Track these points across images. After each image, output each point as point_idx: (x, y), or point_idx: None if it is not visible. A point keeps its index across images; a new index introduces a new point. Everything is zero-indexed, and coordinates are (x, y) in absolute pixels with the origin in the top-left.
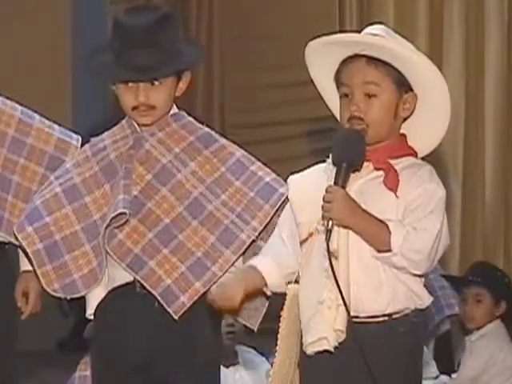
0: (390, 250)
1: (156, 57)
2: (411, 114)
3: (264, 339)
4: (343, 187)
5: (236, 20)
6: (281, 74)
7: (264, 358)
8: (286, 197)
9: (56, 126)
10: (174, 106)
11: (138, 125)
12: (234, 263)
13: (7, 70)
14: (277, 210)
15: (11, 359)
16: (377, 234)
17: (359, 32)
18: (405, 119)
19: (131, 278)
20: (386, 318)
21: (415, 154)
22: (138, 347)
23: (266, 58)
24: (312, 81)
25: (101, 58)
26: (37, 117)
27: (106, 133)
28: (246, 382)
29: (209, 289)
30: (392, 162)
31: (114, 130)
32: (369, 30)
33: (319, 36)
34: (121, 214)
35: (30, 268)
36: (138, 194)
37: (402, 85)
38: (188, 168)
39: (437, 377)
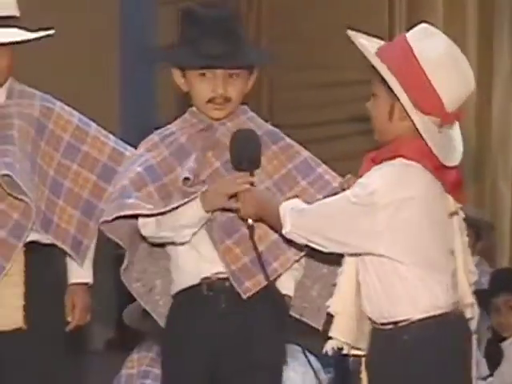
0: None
1: (234, 45)
2: None
3: (314, 338)
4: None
5: (284, 19)
6: (329, 74)
7: (313, 357)
8: None
9: (111, 136)
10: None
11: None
12: (294, 262)
13: (55, 73)
14: None
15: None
16: (277, 222)
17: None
18: None
19: (196, 281)
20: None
21: (408, 156)
22: (206, 349)
23: (314, 57)
24: (359, 81)
25: (176, 51)
26: (93, 125)
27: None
28: (295, 382)
29: (269, 284)
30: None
31: (177, 122)
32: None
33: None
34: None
35: (78, 280)
36: (206, 179)
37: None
38: None
39: (487, 377)
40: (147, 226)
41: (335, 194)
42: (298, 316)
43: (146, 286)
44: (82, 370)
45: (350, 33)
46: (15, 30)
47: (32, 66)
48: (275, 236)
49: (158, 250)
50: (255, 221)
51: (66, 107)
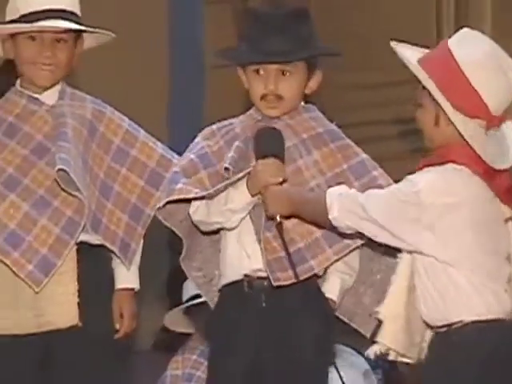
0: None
1: (290, 44)
2: None
3: (362, 338)
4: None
5: (330, 19)
6: (372, 75)
7: (362, 358)
8: None
9: (159, 143)
10: (303, 102)
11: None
12: (333, 263)
13: (103, 76)
14: None
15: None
16: (315, 211)
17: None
18: None
19: (238, 277)
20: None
21: (458, 161)
22: (249, 346)
23: (358, 57)
24: (403, 81)
25: (236, 48)
26: (142, 131)
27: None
28: (344, 382)
29: (301, 280)
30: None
31: (241, 116)
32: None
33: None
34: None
35: (125, 285)
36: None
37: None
38: (311, 156)
39: None
40: (197, 212)
41: None
42: (347, 320)
43: (207, 276)
44: (130, 370)
45: (393, 44)
46: (75, 25)
47: (80, 69)
48: (318, 234)
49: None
50: (285, 218)
51: (116, 112)
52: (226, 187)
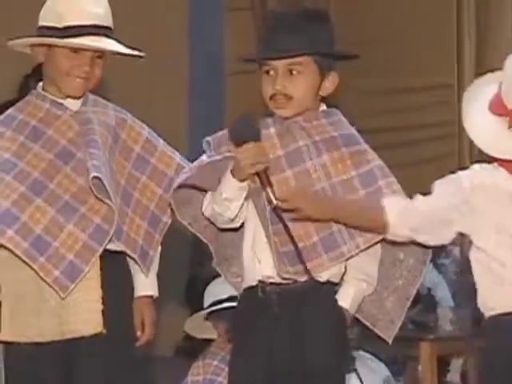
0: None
1: (299, 42)
2: None
3: (382, 345)
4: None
5: (351, 24)
6: (395, 79)
7: (383, 364)
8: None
9: (177, 153)
10: (324, 105)
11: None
12: (326, 269)
13: (122, 83)
14: (383, 239)
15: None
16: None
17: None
18: None
19: (254, 283)
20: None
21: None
22: (264, 350)
23: (381, 62)
24: (424, 88)
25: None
26: (161, 140)
27: None
28: None
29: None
30: None
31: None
32: None
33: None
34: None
35: (145, 293)
36: None
37: None
38: (320, 159)
39: None
40: (207, 208)
41: None
42: (371, 326)
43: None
44: (151, 376)
45: (466, 95)
46: (114, 41)
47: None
48: (316, 238)
49: None
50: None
51: (137, 120)
52: (209, 169)
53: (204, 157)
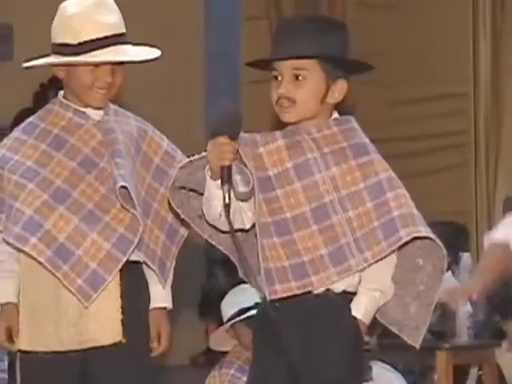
0: None
1: (305, 45)
2: None
3: (399, 354)
4: None
5: (368, 34)
6: (411, 89)
7: (399, 374)
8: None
9: None
10: (336, 112)
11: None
12: (333, 283)
13: (140, 92)
14: (393, 251)
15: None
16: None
17: None
18: None
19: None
20: None
21: None
22: (281, 359)
23: (397, 71)
24: (440, 97)
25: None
26: (179, 152)
27: None
28: None
29: (302, 293)
30: None
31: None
32: None
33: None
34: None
35: (160, 305)
36: (273, 176)
37: None
38: (329, 171)
39: None
40: (206, 212)
41: (391, 227)
42: (397, 331)
43: None
44: None
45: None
46: (129, 46)
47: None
48: (324, 251)
49: None
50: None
51: (157, 131)
52: (191, 169)
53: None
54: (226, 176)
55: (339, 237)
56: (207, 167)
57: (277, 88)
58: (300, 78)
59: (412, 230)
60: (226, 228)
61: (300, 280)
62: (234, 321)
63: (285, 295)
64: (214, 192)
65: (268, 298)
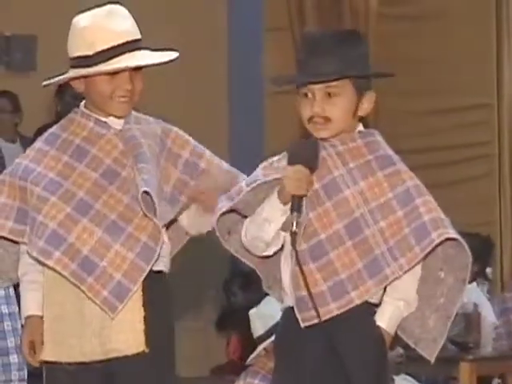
0: None
1: (335, 65)
2: None
3: (423, 365)
4: None
5: (391, 45)
6: (435, 100)
7: None
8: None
9: (224, 162)
10: (361, 125)
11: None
12: (372, 294)
13: (163, 102)
14: (427, 255)
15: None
16: None
17: None
18: None
19: (292, 304)
20: None
21: None
22: (302, 370)
23: (421, 82)
24: (463, 108)
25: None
26: (207, 151)
27: None
28: None
29: (342, 313)
30: None
31: None
32: None
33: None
34: None
35: None
36: (304, 200)
37: None
38: (357, 186)
39: None
40: (245, 233)
41: (423, 231)
42: (413, 345)
43: None
44: None
45: None
46: (147, 51)
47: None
48: (360, 265)
49: None
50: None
51: (186, 135)
52: (253, 196)
53: (243, 184)
54: (296, 205)
55: (373, 248)
56: (277, 189)
57: (309, 106)
58: (332, 95)
59: (443, 232)
60: (261, 252)
61: (339, 299)
62: (265, 344)
63: (323, 319)
64: (275, 215)
65: (302, 326)
